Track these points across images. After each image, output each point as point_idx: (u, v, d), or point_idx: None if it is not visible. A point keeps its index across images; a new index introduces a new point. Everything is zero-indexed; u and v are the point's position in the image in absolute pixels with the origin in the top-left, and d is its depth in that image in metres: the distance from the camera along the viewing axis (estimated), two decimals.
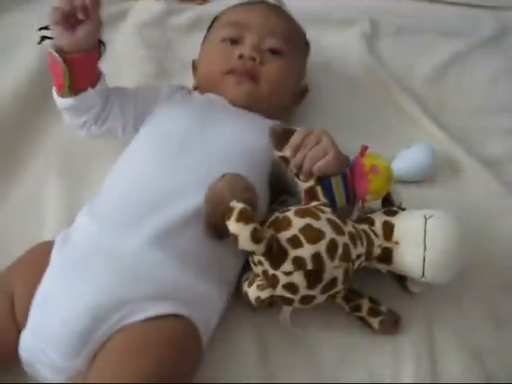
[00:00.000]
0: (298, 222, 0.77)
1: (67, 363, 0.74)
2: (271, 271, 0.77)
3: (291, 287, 0.76)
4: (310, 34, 1.17)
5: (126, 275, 0.77)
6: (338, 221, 0.80)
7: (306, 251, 0.75)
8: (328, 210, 0.81)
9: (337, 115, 1.18)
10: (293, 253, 0.75)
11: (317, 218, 0.78)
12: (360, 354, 0.86)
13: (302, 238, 0.76)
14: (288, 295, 0.77)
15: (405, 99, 1.23)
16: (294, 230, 0.76)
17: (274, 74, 1.00)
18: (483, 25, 1.45)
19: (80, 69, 0.90)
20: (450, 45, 1.38)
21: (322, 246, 0.76)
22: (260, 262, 0.78)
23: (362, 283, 0.89)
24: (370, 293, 0.89)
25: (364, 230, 0.83)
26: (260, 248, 0.74)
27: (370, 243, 0.83)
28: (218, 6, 1.22)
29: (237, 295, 0.85)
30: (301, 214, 0.78)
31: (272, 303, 0.82)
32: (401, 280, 0.89)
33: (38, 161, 1.07)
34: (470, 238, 0.85)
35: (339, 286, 0.79)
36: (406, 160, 1.07)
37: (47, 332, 0.74)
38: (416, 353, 0.86)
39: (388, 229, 0.84)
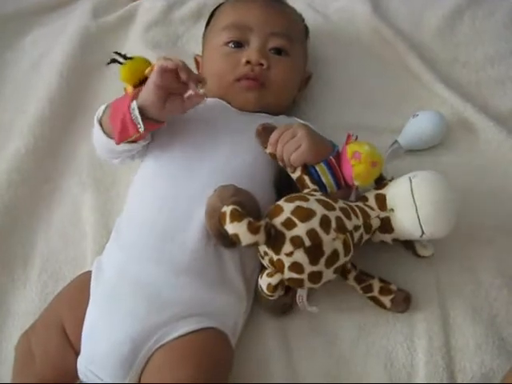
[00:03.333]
0: (288, 206, 0.83)
1: (119, 382, 0.81)
2: (275, 257, 0.82)
3: (296, 266, 0.81)
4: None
5: (154, 302, 0.84)
6: (327, 199, 0.85)
7: (301, 230, 0.81)
8: (318, 193, 0.87)
9: (348, 89, 1.16)
10: (289, 234, 0.81)
11: (306, 200, 0.84)
12: (375, 332, 0.89)
13: (294, 218, 0.81)
14: (296, 276, 0.82)
15: (415, 61, 1.18)
16: (286, 214, 0.82)
17: (281, 76, 1.01)
18: None
19: (149, 130, 0.89)
20: None
21: (314, 222, 0.81)
22: (266, 253, 0.84)
23: (374, 263, 0.93)
24: (383, 272, 0.92)
25: (358, 206, 0.88)
26: (261, 237, 0.79)
27: (366, 215, 0.87)
28: None
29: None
30: (290, 199, 0.85)
31: (289, 307, 0.89)
32: (409, 247, 0.92)
33: (73, 181, 1.09)
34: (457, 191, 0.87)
35: (342, 259, 0.83)
36: (412, 130, 1.07)
37: (96, 361, 0.82)
38: (429, 328, 0.89)
39: (381, 199, 0.89)
